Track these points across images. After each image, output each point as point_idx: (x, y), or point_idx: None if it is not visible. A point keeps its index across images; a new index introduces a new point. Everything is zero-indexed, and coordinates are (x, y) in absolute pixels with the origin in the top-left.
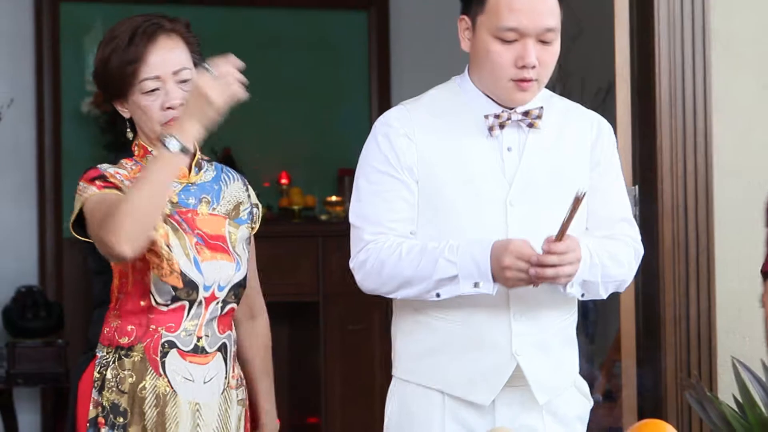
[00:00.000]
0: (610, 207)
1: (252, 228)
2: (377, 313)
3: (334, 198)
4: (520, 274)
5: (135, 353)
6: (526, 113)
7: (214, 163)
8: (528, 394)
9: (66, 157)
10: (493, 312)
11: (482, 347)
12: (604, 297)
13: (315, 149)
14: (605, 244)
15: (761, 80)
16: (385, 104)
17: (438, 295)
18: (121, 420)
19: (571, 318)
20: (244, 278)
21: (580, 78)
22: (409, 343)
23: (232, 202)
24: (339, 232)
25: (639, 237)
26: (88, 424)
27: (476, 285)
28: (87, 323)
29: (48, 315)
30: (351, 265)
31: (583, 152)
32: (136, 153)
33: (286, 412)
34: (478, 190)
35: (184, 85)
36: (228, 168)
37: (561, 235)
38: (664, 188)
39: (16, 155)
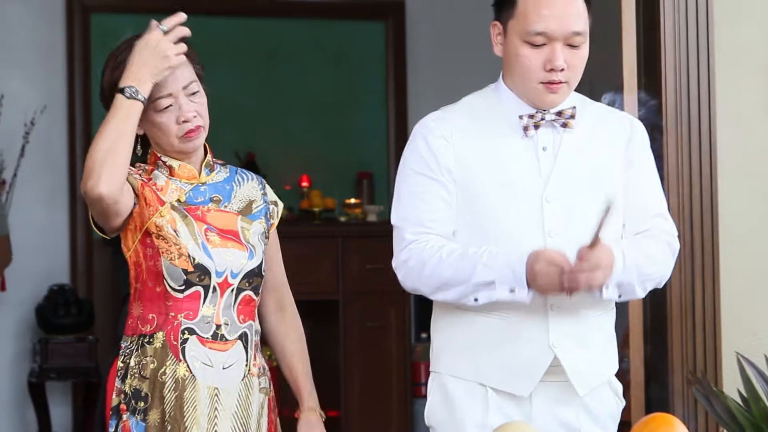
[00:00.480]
0: (645, 203)
1: (269, 223)
2: (394, 311)
3: (352, 200)
4: (552, 281)
5: (156, 340)
6: (559, 113)
7: (228, 166)
8: (565, 389)
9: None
10: (531, 305)
11: (520, 340)
12: (642, 296)
13: (334, 154)
14: (640, 242)
15: (763, 88)
16: (401, 111)
17: (476, 300)
18: (142, 405)
19: (609, 313)
20: (259, 267)
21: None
22: (449, 339)
23: (245, 200)
24: (357, 233)
25: (675, 232)
26: (111, 413)
27: (512, 291)
28: (116, 320)
29: (79, 312)
30: (393, 264)
31: (616, 152)
32: (148, 160)
33: None
34: (515, 188)
35: (194, 98)
36: (244, 170)
37: (594, 243)
38: (670, 190)
39: (49, 160)
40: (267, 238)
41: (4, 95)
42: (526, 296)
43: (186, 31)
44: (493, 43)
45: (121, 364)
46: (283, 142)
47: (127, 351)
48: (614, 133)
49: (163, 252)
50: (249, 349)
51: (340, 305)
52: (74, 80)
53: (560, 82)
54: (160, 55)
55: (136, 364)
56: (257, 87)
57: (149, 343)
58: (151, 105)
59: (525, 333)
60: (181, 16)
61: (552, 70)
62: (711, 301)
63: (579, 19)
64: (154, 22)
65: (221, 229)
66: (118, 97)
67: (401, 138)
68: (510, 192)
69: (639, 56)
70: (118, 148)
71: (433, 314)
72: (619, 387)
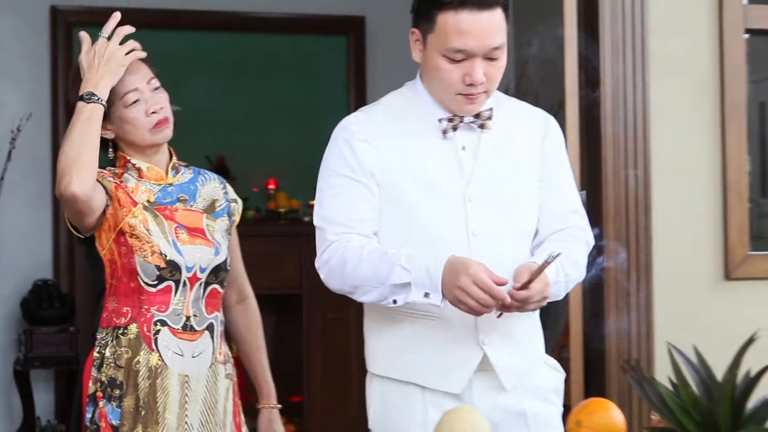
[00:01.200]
0: (562, 199)
1: (231, 220)
2: (353, 304)
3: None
4: (469, 300)
5: (130, 332)
6: (477, 115)
7: (191, 167)
8: (498, 377)
9: None
10: (442, 307)
11: (449, 340)
12: (563, 296)
13: (299, 158)
14: (566, 247)
15: (693, 96)
16: None
17: (395, 302)
18: (118, 392)
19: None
20: (224, 262)
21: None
22: (382, 341)
23: (209, 199)
24: None
25: (589, 228)
26: (88, 400)
27: (426, 295)
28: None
29: (61, 305)
30: (316, 264)
31: (533, 147)
32: (117, 164)
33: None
34: (437, 188)
35: (158, 92)
36: (205, 171)
37: (526, 284)
38: (608, 193)
39: (34, 164)
40: (230, 234)
41: None
42: (440, 302)
43: (129, 29)
44: (412, 49)
45: (97, 355)
46: (251, 148)
47: (103, 342)
48: (530, 129)
49: (136, 250)
50: (215, 338)
51: (304, 299)
52: (58, 89)
53: (479, 94)
54: (109, 59)
55: (111, 354)
56: (228, 96)
57: (123, 334)
58: (119, 102)
59: (454, 333)
60: (117, 17)
61: (471, 84)
62: (645, 295)
63: (498, 34)
64: (86, 36)
65: (189, 227)
66: (79, 104)
67: None
68: (432, 192)
69: (580, 67)
70: (85, 149)
71: (365, 316)
72: (554, 361)
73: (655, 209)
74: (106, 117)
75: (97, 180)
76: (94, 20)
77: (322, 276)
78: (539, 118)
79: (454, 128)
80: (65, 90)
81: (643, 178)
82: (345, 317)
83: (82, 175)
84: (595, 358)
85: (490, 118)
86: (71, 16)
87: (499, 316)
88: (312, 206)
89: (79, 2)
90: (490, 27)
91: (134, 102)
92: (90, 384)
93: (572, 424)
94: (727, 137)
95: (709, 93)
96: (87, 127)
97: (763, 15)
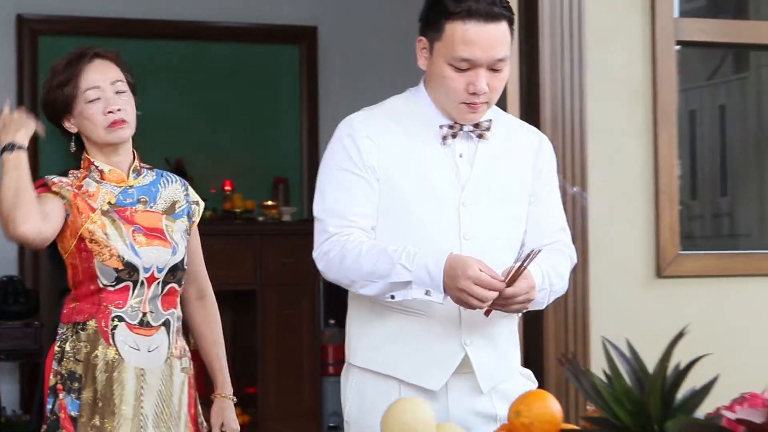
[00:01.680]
0: (552, 216)
1: (191, 221)
2: (306, 300)
3: (269, 202)
4: (472, 300)
5: (89, 327)
6: (476, 125)
7: (155, 170)
8: (476, 379)
9: (42, 166)
10: (445, 305)
11: (433, 337)
12: (544, 307)
13: (254, 161)
14: (552, 259)
15: (628, 104)
16: (313, 124)
17: (393, 297)
18: (77, 385)
19: (515, 316)
20: (182, 261)
21: None
22: (365, 333)
23: (169, 201)
24: (274, 231)
25: (573, 245)
26: (49, 392)
27: (427, 293)
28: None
29: (26, 300)
30: (314, 254)
31: (527, 162)
32: (82, 165)
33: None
34: (433, 192)
35: (122, 96)
36: (169, 173)
37: (511, 281)
38: None
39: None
40: (189, 234)
41: None
42: (442, 299)
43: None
44: (418, 56)
45: (58, 349)
46: (209, 151)
47: (63, 337)
48: (525, 144)
49: (95, 254)
50: (171, 333)
51: (258, 295)
52: (23, 94)
53: (481, 104)
54: (15, 120)
55: (71, 349)
56: (187, 101)
57: (83, 329)
58: (81, 97)
59: (438, 330)
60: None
61: (474, 93)
62: (581, 293)
63: (502, 46)
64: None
65: (148, 227)
66: (3, 156)
67: (313, 148)
68: (429, 195)
69: (521, 77)
70: (20, 193)
71: (349, 307)
72: (529, 373)
73: (591, 211)
74: (70, 111)
75: (55, 191)
76: (58, 28)
77: (319, 266)
78: (535, 136)
79: (454, 135)
80: (34, 91)
81: (580, 183)
82: (298, 313)
83: (24, 214)
84: (534, 352)
85: (488, 129)
86: (36, 24)
87: (487, 314)
88: (265, 207)
89: (44, 11)
90: (495, 39)
91: (94, 99)
92: (51, 377)
93: (512, 414)
94: (659, 143)
95: (643, 101)
96: (17, 174)
97: (693, 27)
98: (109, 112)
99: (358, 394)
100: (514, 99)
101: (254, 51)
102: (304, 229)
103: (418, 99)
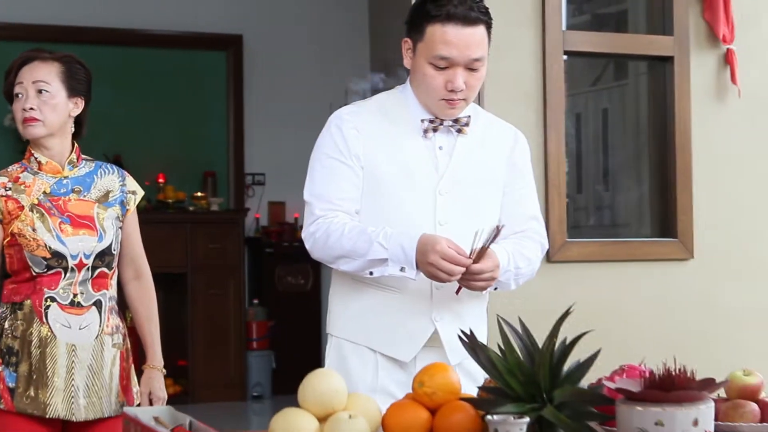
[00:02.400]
0: (525, 206)
1: (125, 209)
2: (232, 281)
3: (199, 194)
4: (440, 273)
5: (25, 306)
6: (456, 120)
7: (96, 162)
8: (444, 354)
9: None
10: (418, 284)
11: (406, 312)
12: (513, 289)
13: (185, 156)
14: (520, 243)
15: (521, 107)
16: (239, 124)
17: (371, 273)
18: (14, 359)
19: (484, 296)
20: (109, 247)
21: None
22: (344, 307)
23: (103, 190)
24: (203, 220)
25: (545, 233)
26: None
27: (402, 269)
28: None
29: None
30: (303, 235)
31: (502, 156)
32: (25, 156)
33: (162, 357)
34: (412, 180)
35: (41, 95)
36: (109, 165)
37: (478, 258)
38: None
39: None
40: (121, 220)
41: None
42: (415, 275)
43: None
44: (404, 56)
45: None
46: (144, 147)
47: (2, 316)
48: (500, 139)
49: (24, 246)
50: (103, 312)
51: (188, 277)
52: None
53: (459, 100)
54: None
55: (9, 326)
56: (124, 102)
57: (20, 309)
58: (13, 93)
59: (411, 307)
60: None
61: (452, 90)
62: None
63: (479, 48)
64: None
65: (78, 215)
66: None
67: (239, 145)
68: (408, 183)
69: None
70: None
71: (332, 283)
72: None
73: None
74: (11, 102)
75: None
76: (9, 35)
77: (307, 245)
78: (510, 132)
79: (435, 130)
80: None
81: None
82: (225, 293)
83: None
84: None
85: (467, 124)
86: None
87: (457, 292)
88: (195, 198)
89: None
90: (472, 40)
91: (16, 95)
92: None
93: (416, 384)
94: (548, 143)
95: (534, 105)
96: None
97: (579, 39)
98: (23, 109)
99: (338, 361)
100: None
101: (186, 57)
102: (230, 218)
103: (403, 96)
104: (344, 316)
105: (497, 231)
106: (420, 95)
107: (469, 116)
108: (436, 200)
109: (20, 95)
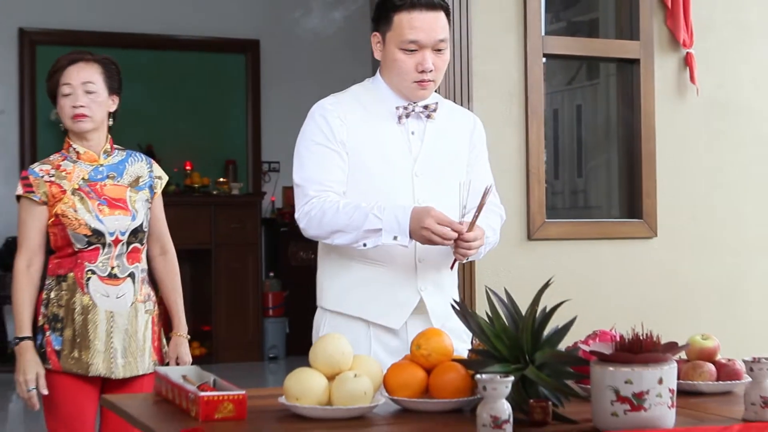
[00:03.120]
0: (483, 182)
1: (153, 192)
2: (251, 256)
3: (222, 179)
4: (435, 237)
5: (69, 279)
6: (425, 107)
7: (126, 150)
8: (428, 319)
9: (40, 150)
10: (403, 258)
11: (394, 285)
12: (481, 258)
13: (209, 146)
14: (487, 217)
15: (505, 104)
16: (256, 118)
17: (365, 245)
18: (59, 325)
19: (455, 269)
20: (141, 225)
21: None
22: (335, 281)
23: (134, 176)
24: (225, 202)
25: (501, 205)
26: (38, 330)
27: (395, 238)
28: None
29: None
30: (297, 215)
31: (464, 138)
32: (63, 147)
33: (189, 322)
34: (391, 164)
35: (91, 95)
36: (137, 153)
37: (471, 227)
38: None
39: (5, 149)
40: (150, 202)
41: None
42: (408, 243)
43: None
44: (373, 49)
45: (45, 296)
46: (173, 138)
47: (49, 287)
48: (462, 124)
49: (67, 225)
50: (136, 283)
51: (212, 252)
52: (24, 93)
53: (429, 81)
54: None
55: (55, 296)
56: (157, 99)
57: (64, 281)
58: (59, 90)
59: (398, 279)
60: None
61: (423, 71)
62: None
63: (442, 30)
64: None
65: (113, 198)
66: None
67: (256, 136)
68: (387, 167)
69: None
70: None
71: (319, 260)
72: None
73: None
74: (54, 100)
75: (33, 191)
76: (54, 39)
77: (301, 225)
78: (470, 117)
79: (407, 116)
80: (32, 90)
81: None
82: (244, 267)
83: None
84: None
85: (435, 110)
86: (35, 36)
87: (452, 266)
88: (218, 183)
89: (41, 25)
90: (436, 24)
91: (65, 95)
92: (40, 318)
93: (414, 347)
94: (529, 135)
95: (517, 101)
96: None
97: (556, 44)
98: (73, 107)
99: (330, 331)
100: None
101: (210, 59)
102: (249, 201)
103: (375, 86)
104: (335, 290)
105: (485, 192)
106: (392, 81)
107: (437, 103)
108: (413, 181)
109: (69, 93)
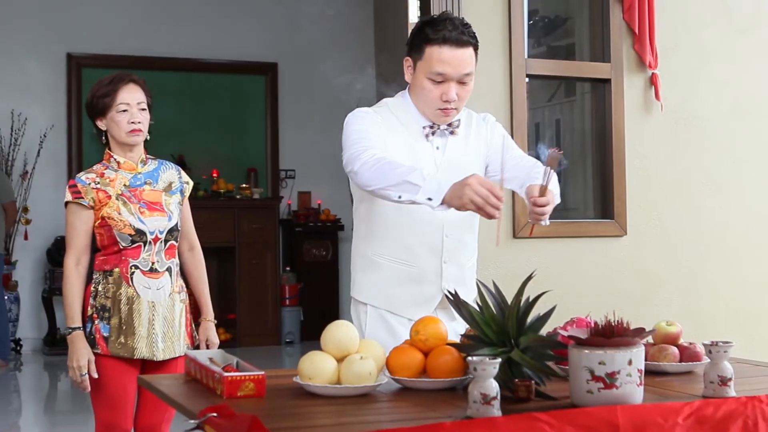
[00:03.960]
0: (524, 158)
1: (183, 196)
2: (269, 253)
3: (244, 185)
4: (476, 197)
5: (115, 273)
6: (449, 124)
7: (158, 160)
8: (452, 313)
9: (85, 160)
10: (431, 257)
11: (421, 283)
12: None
13: (233, 156)
14: (551, 183)
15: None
16: (275, 133)
17: (399, 197)
18: (107, 314)
19: (475, 258)
20: (176, 225)
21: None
22: (368, 278)
23: (166, 182)
24: (247, 206)
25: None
26: (87, 319)
27: (429, 199)
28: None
29: None
30: (353, 166)
31: (481, 144)
32: (104, 158)
33: (215, 311)
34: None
35: (142, 112)
36: (167, 162)
37: (543, 190)
38: None
39: (55, 158)
40: (181, 205)
41: (28, 118)
42: (437, 205)
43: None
44: (405, 72)
45: (93, 289)
46: (201, 149)
47: (96, 280)
48: (478, 130)
49: (113, 226)
50: (173, 276)
51: (236, 250)
52: (71, 109)
53: (452, 109)
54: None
55: (102, 289)
56: (187, 115)
57: (110, 275)
58: (114, 108)
59: (425, 278)
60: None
61: (446, 101)
62: None
63: (468, 65)
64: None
65: (151, 202)
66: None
67: (275, 147)
68: None
69: None
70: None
71: (353, 258)
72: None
73: None
74: (104, 115)
75: (81, 197)
76: (98, 63)
77: (356, 168)
78: (481, 121)
79: (433, 133)
80: (78, 107)
81: None
82: (264, 262)
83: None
84: None
85: (458, 126)
86: (81, 60)
87: (531, 233)
88: (241, 188)
89: (87, 50)
90: (463, 59)
91: (122, 111)
92: (89, 308)
93: (413, 332)
94: None
95: (503, 116)
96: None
97: (538, 65)
98: (131, 122)
99: (357, 324)
100: None
101: (233, 80)
102: (268, 204)
103: (405, 102)
104: (367, 285)
105: (556, 153)
106: (419, 104)
107: (459, 120)
108: None
109: (126, 110)
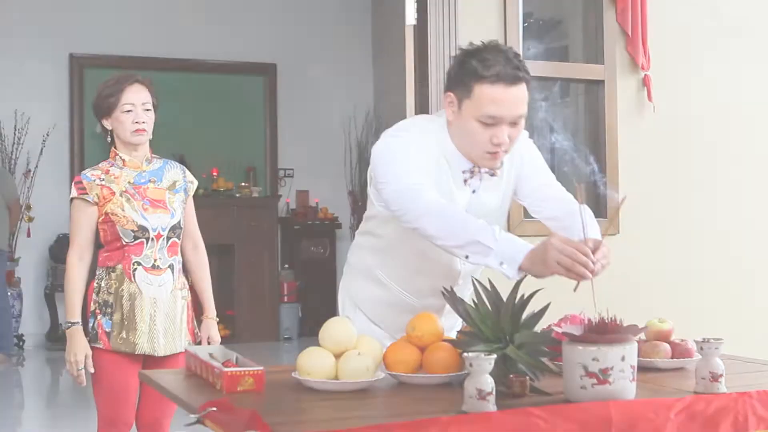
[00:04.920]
0: (560, 192)
1: (187, 194)
2: (268, 250)
3: (243, 184)
4: (563, 258)
5: (117, 269)
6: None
7: (163, 159)
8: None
9: (87, 158)
10: (437, 299)
11: (436, 291)
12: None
13: (233, 155)
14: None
15: None
16: (273, 132)
17: (467, 257)
18: (109, 310)
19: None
20: (179, 222)
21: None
22: (367, 299)
23: (171, 180)
24: (246, 204)
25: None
26: (90, 315)
27: (501, 264)
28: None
29: None
30: (412, 212)
31: (512, 181)
32: (110, 156)
33: (215, 307)
34: None
35: (147, 112)
36: (172, 161)
37: (599, 243)
38: None
39: (58, 159)
40: (185, 203)
41: (31, 118)
42: (511, 273)
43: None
44: (446, 108)
45: (96, 285)
46: (202, 148)
47: (99, 276)
48: (511, 162)
49: (116, 222)
50: (174, 273)
51: (235, 247)
52: (73, 109)
53: (502, 152)
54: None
55: (105, 285)
56: (188, 115)
57: (113, 271)
58: (119, 108)
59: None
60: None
61: (497, 144)
62: None
63: (523, 105)
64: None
65: (155, 199)
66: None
67: (273, 147)
68: None
69: (416, 92)
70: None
71: (347, 276)
72: None
73: None
74: (110, 114)
75: (84, 196)
76: (100, 63)
77: (421, 222)
78: (515, 153)
79: (472, 177)
80: (80, 107)
81: None
82: (262, 259)
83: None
84: None
85: (500, 167)
86: (83, 60)
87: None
88: (241, 187)
89: (88, 51)
90: (518, 99)
91: (127, 111)
92: (91, 303)
93: (409, 329)
94: None
95: None
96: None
97: (533, 67)
98: (136, 122)
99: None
100: (412, 113)
101: (233, 80)
102: (267, 202)
103: (444, 139)
104: (367, 305)
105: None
106: (462, 146)
107: (502, 162)
108: None
109: (131, 111)
